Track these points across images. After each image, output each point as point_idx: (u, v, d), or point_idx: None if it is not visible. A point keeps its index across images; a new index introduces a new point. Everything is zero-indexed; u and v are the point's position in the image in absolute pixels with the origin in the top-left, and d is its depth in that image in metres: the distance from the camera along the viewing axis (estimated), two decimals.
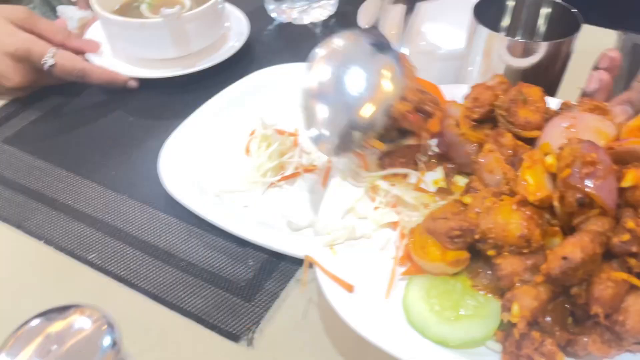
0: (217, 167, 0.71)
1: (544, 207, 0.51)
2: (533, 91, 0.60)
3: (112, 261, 0.59)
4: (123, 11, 0.90)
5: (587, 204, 0.48)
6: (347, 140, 0.59)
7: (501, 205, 0.51)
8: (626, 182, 0.48)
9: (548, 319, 0.47)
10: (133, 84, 0.85)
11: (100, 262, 0.58)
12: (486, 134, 0.61)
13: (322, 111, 0.59)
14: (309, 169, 0.71)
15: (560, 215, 0.51)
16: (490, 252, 0.51)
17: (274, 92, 0.80)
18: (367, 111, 0.58)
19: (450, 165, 0.63)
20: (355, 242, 0.56)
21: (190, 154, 0.70)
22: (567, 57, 0.71)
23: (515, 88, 0.60)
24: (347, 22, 0.85)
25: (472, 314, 0.50)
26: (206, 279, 0.57)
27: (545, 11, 0.76)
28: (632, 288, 0.46)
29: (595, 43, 0.87)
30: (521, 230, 0.49)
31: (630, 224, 0.46)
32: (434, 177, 0.63)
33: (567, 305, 0.49)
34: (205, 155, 0.72)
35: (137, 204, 0.66)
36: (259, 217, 0.65)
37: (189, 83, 0.86)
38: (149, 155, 0.68)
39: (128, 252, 0.60)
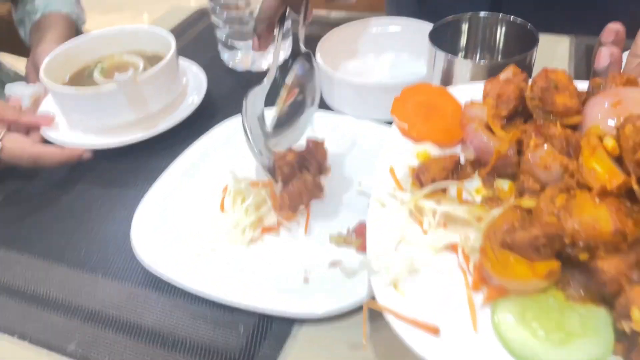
0: (193, 229, 0.66)
1: (621, 195, 0.46)
2: (560, 75, 0.56)
3: (93, 349, 0.54)
4: (75, 81, 0.83)
5: None
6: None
7: (581, 201, 0.45)
8: None
9: None
10: (87, 155, 0.77)
11: (81, 351, 0.53)
12: (523, 130, 0.55)
13: None
14: (289, 217, 0.66)
15: None
16: (583, 256, 0.44)
17: (241, 143, 0.74)
18: None
19: (487, 171, 0.57)
20: (419, 276, 0.48)
21: (164, 219, 0.66)
22: (529, 70, 0.70)
23: (540, 76, 0.55)
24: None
25: (582, 329, 0.42)
26: (196, 353, 0.53)
27: (501, 29, 0.77)
28: None
29: (548, 50, 0.90)
30: (614, 224, 0.43)
31: None
32: (473, 186, 0.57)
33: None
34: (180, 219, 0.67)
35: (112, 282, 0.61)
36: (244, 277, 0.60)
37: (153, 144, 0.80)
38: (120, 227, 0.66)
39: (109, 337, 0.55)
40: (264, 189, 0.69)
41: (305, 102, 0.70)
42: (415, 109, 0.63)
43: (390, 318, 0.44)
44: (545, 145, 0.51)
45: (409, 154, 0.59)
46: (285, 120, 0.70)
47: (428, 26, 0.76)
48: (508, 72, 0.61)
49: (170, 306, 0.57)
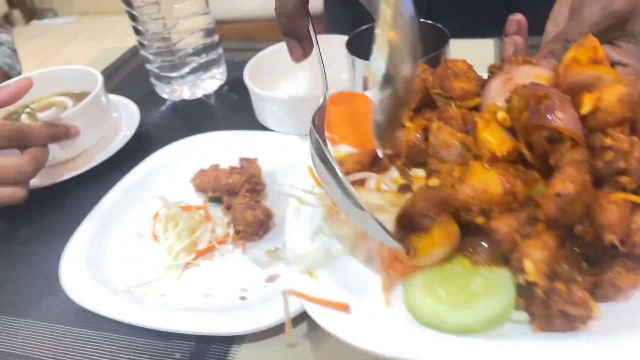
0: (126, 261, 0.66)
1: (513, 160, 0.48)
2: (459, 64, 0.59)
3: None
4: None
5: (556, 139, 0.46)
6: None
7: (473, 169, 0.47)
8: (585, 108, 0.46)
9: (565, 266, 0.43)
10: (74, 132, 0.78)
11: None
12: (427, 118, 0.58)
13: None
14: (223, 241, 0.67)
15: (534, 162, 0.48)
16: (480, 220, 0.46)
17: (174, 170, 0.79)
18: None
19: (402, 161, 0.59)
20: (336, 263, 0.50)
21: (94, 255, 0.66)
22: None
23: (440, 66, 0.58)
24: (238, 87, 0.89)
25: (484, 289, 0.44)
26: None
27: None
28: (636, 207, 0.43)
29: (476, 53, 0.92)
30: (502, 185, 0.45)
31: (608, 140, 0.43)
32: (392, 177, 0.59)
33: (576, 249, 0.45)
34: (111, 253, 0.68)
35: (44, 325, 0.59)
36: (179, 303, 0.60)
37: (85, 182, 0.81)
38: (50, 267, 0.64)
39: None
40: (196, 212, 0.70)
41: None
42: (340, 117, 0.66)
43: (303, 302, 0.45)
44: (445, 126, 0.54)
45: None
46: None
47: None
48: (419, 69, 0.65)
49: (105, 342, 0.56)
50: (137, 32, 0.95)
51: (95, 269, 0.64)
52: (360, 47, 0.74)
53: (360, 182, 0.57)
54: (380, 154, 0.62)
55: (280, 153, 0.78)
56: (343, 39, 0.77)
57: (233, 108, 0.96)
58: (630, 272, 0.42)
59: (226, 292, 0.60)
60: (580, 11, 0.62)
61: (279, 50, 0.94)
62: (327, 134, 0.62)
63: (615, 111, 0.46)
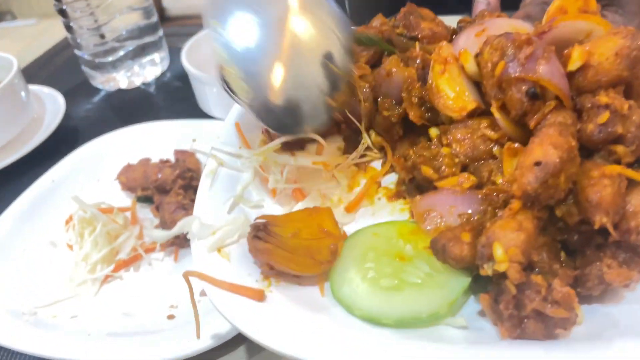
0: (33, 277, 0.54)
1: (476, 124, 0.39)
2: (425, 10, 0.50)
3: None
4: None
5: (538, 95, 0.36)
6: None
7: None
8: (573, 63, 0.37)
9: (543, 255, 0.33)
10: None
11: None
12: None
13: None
14: (151, 248, 0.55)
15: (508, 125, 0.38)
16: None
17: (100, 167, 0.67)
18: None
19: (348, 127, 0.49)
20: None
21: None
22: None
23: (407, 6, 0.49)
24: (182, 75, 0.78)
25: (421, 282, 0.34)
26: None
27: None
28: (632, 185, 0.34)
29: None
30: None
31: (602, 98, 0.34)
32: (335, 144, 0.49)
33: (554, 235, 0.35)
34: (16, 267, 0.55)
35: None
36: (95, 326, 0.49)
37: (5, 178, 0.70)
38: None
39: None
40: (119, 215, 0.57)
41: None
42: None
43: (205, 286, 0.35)
44: (394, 58, 0.44)
45: None
46: None
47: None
48: (375, 21, 0.55)
49: None
50: (63, 13, 0.82)
51: None
52: None
53: (299, 146, 0.47)
54: None
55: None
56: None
57: (175, 97, 0.85)
58: (623, 266, 0.33)
59: (152, 311, 0.49)
60: None
61: None
62: None
63: (610, 68, 0.37)
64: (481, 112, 0.42)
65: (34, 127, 0.77)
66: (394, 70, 0.43)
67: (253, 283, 0.35)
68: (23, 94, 0.74)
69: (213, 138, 0.60)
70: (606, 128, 0.34)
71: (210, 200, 0.41)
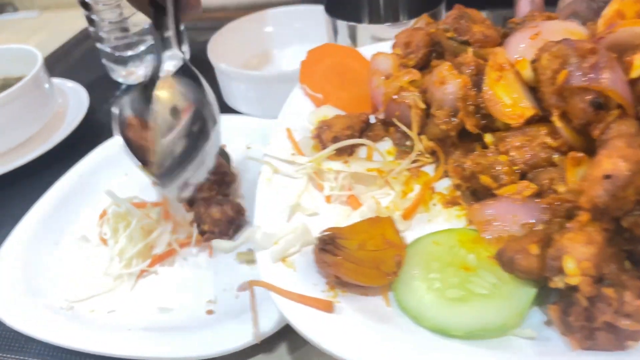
0: (68, 272, 0.54)
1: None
2: (474, 12, 0.49)
3: None
4: None
5: (602, 105, 0.36)
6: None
7: None
8: (636, 71, 0.37)
9: (613, 266, 0.33)
10: None
11: None
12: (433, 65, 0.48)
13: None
14: (185, 243, 0.55)
15: (569, 133, 0.38)
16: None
17: (127, 162, 0.65)
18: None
19: (398, 131, 0.49)
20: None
21: (30, 265, 0.54)
22: None
23: (454, 9, 0.49)
24: (203, 68, 0.75)
25: (488, 293, 0.35)
26: None
27: None
28: None
29: None
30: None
31: None
32: (384, 147, 0.49)
33: (619, 246, 0.36)
34: (51, 262, 0.55)
35: None
36: (132, 321, 0.48)
37: (23, 178, 0.69)
38: None
39: None
40: (153, 210, 0.56)
41: (206, 127, 0.46)
42: (326, 74, 0.55)
43: (274, 297, 0.35)
44: (446, 63, 0.44)
45: (311, 116, 0.51)
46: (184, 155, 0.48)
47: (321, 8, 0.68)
48: (420, 22, 0.55)
49: None
50: (85, 5, 0.81)
51: (31, 282, 0.52)
52: (340, 10, 0.66)
53: (350, 150, 0.47)
54: (373, 118, 0.51)
55: (252, 138, 0.66)
56: (318, 8, 0.67)
57: None
58: None
59: (190, 306, 0.49)
60: None
61: (248, 21, 0.82)
62: (310, 92, 0.51)
63: None
64: (538, 119, 0.42)
65: (57, 121, 0.77)
66: (447, 78, 0.43)
67: (319, 293, 0.36)
68: (47, 86, 0.74)
69: (244, 137, 0.64)
70: None
71: (269, 209, 0.42)
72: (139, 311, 0.49)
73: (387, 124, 0.50)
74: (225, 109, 0.74)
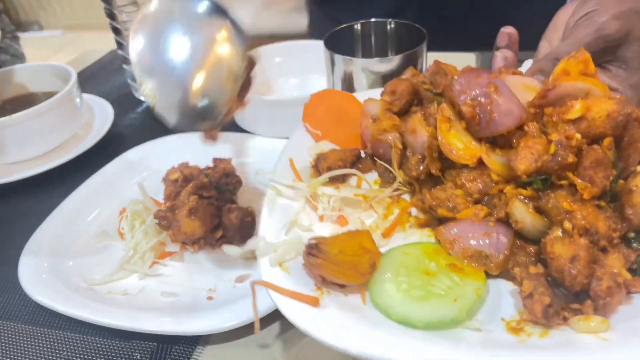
0: (89, 259, 0.63)
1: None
2: (450, 67, 0.59)
3: None
4: None
5: None
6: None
7: None
8: (574, 113, 0.46)
9: None
10: None
11: None
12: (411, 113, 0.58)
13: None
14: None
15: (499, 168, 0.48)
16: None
17: (145, 170, 0.76)
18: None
19: (382, 163, 0.58)
20: None
21: (56, 252, 0.63)
22: (421, 66, 0.74)
23: (433, 64, 0.58)
24: None
25: (444, 293, 0.43)
26: None
27: (391, 33, 0.80)
28: None
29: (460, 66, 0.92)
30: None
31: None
32: (373, 177, 0.58)
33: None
34: (74, 250, 0.64)
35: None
36: (143, 302, 0.57)
37: (54, 179, 0.78)
38: (9, 263, 0.62)
39: None
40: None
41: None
42: (326, 114, 0.65)
43: (271, 293, 0.44)
44: (418, 115, 0.53)
45: (311, 149, 0.60)
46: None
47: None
48: (407, 73, 0.64)
49: (63, 342, 0.53)
50: (116, 31, 0.93)
51: (56, 265, 0.61)
52: (339, 45, 0.74)
53: (342, 179, 0.56)
54: (362, 153, 0.60)
55: (260, 154, 0.76)
56: (319, 43, 0.76)
57: None
58: None
59: (192, 292, 0.57)
60: (575, 32, 0.62)
61: (260, 53, 0.93)
62: (311, 129, 0.61)
63: (600, 125, 0.46)
64: None
65: (86, 131, 0.87)
66: (417, 129, 0.52)
67: (309, 292, 0.44)
68: (78, 101, 0.84)
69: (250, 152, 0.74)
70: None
71: (271, 224, 0.50)
72: (148, 294, 0.57)
73: (374, 158, 0.59)
74: (235, 128, 0.84)
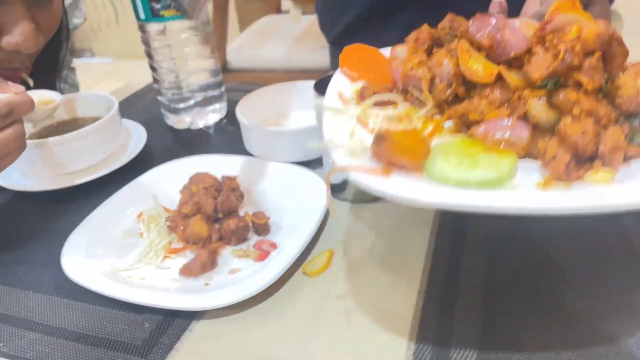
0: (116, 251, 0.79)
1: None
2: (461, 19, 0.71)
3: (18, 347, 0.62)
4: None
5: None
6: None
7: None
8: (572, 34, 0.59)
9: None
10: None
11: (6, 350, 0.61)
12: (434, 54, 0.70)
13: None
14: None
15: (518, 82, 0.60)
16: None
17: (168, 183, 0.92)
18: None
19: (414, 93, 0.69)
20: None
21: (92, 242, 0.78)
22: None
23: (448, 16, 0.71)
24: (235, 122, 1.03)
25: (487, 164, 0.55)
26: (105, 345, 0.61)
27: None
28: None
29: None
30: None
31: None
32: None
33: None
34: (106, 242, 0.80)
35: (40, 296, 0.71)
36: (154, 285, 0.72)
37: (96, 187, 0.94)
38: (54, 247, 0.76)
39: (32, 336, 0.63)
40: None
41: None
42: (358, 62, 0.77)
43: (352, 174, 0.54)
44: (443, 50, 0.66)
45: (351, 86, 0.72)
46: None
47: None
48: (424, 28, 0.77)
49: (89, 313, 0.67)
50: (153, 69, 1.12)
51: (90, 254, 0.76)
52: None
53: (383, 105, 0.68)
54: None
55: (260, 175, 0.93)
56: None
57: (228, 138, 1.13)
58: None
59: (193, 280, 0.73)
60: None
61: (271, 89, 1.11)
62: (349, 72, 0.72)
63: (591, 43, 0.59)
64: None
65: (122, 150, 1.04)
66: (443, 61, 0.64)
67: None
68: (118, 125, 1.02)
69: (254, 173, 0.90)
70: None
71: (334, 133, 0.61)
72: (160, 280, 0.72)
73: (404, 92, 0.71)
74: (244, 152, 1.01)
